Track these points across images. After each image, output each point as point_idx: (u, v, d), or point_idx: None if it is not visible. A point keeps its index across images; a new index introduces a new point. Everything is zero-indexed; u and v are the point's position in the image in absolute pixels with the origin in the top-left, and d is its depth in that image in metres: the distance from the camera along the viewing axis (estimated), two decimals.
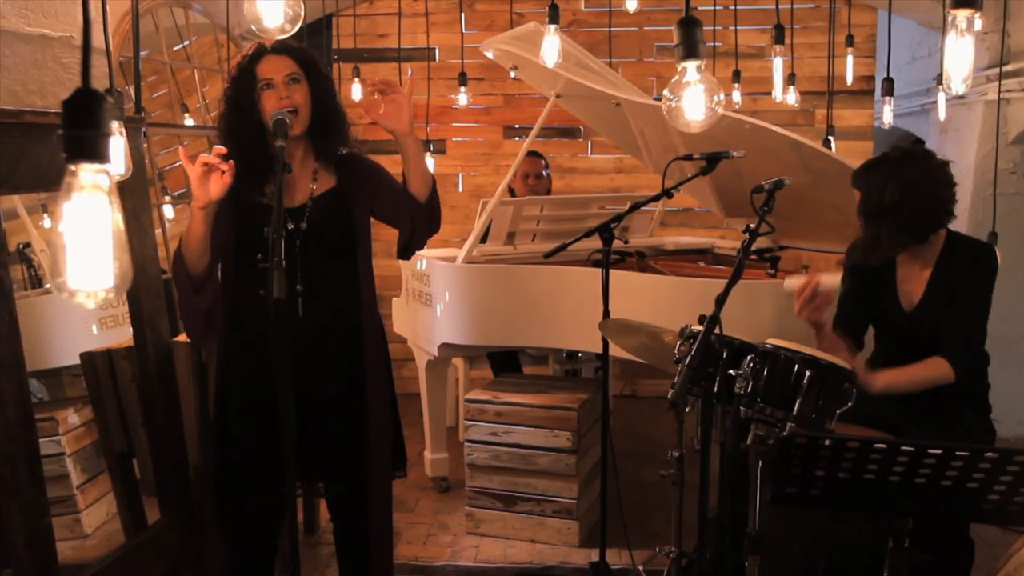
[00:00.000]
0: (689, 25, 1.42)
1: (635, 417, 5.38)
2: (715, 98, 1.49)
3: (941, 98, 4.42)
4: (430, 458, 4.22)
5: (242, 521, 2.58)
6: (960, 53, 1.38)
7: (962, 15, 1.36)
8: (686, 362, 2.05)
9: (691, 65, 1.45)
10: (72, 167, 0.83)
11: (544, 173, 4.98)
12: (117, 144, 2.00)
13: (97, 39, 2.99)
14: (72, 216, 0.84)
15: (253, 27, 1.46)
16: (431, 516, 3.97)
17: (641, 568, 3.27)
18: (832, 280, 2.51)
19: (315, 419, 2.47)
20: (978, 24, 4.01)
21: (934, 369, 2.60)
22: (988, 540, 3.32)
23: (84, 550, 3.44)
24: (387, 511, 2.70)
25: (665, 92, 1.51)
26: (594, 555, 3.29)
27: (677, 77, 1.48)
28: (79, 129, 0.83)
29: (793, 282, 2.58)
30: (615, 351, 3.07)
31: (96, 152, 0.84)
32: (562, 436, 3.57)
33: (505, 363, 4.73)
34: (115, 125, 1.97)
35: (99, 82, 2.30)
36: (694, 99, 1.48)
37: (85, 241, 0.84)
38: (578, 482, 3.59)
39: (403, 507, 4.04)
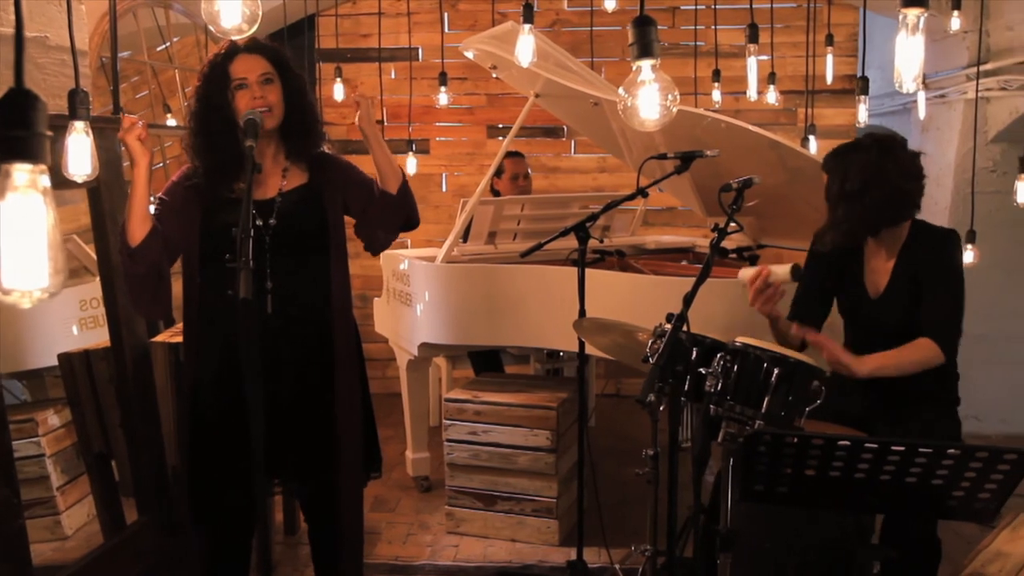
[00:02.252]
0: (643, 24, 1.43)
1: (618, 416, 5.39)
2: (669, 96, 1.49)
3: (921, 97, 4.44)
4: (411, 457, 4.22)
5: (215, 520, 2.58)
6: (911, 51, 1.38)
7: (912, 13, 1.36)
8: (653, 360, 2.05)
9: (646, 64, 1.46)
10: (5, 167, 0.83)
11: (529, 172, 4.99)
12: (83, 144, 2.00)
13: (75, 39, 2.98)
14: (6, 216, 0.84)
15: (211, 28, 1.46)
16: (412, 516, 3.97)
17: (618, 567, 3.27)
18: (782, 271, 2.50)
19: (284, 418, 2.47)
20: (956, 24, 4.03)
21: (922, 350, 2.56)
22: (966, 536, 3.33)
23: (65, 551, 3.43)
24: (357, 511, 2.70)
25: (620, 91, 1.52)
26: (574, 554, 3.30)
27: (632, 76, 1.49)
28: (12, 129, 0.83)
29: (746, 273, 2.57)
30: (595, 350, 3.07)
31: (29, 152, 0.84)
32: (541, 435, 3.57)
33: (487, 362, 4.73)
34: (81, 125, 1.96)
35: (71, 81, 2.29)
36: (649, 98, 1.48)
37: (20, 241, 0.84)
38: (557, 481, 3.60)
39: (384, 507, 4.05)
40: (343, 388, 2.57)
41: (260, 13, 1.46)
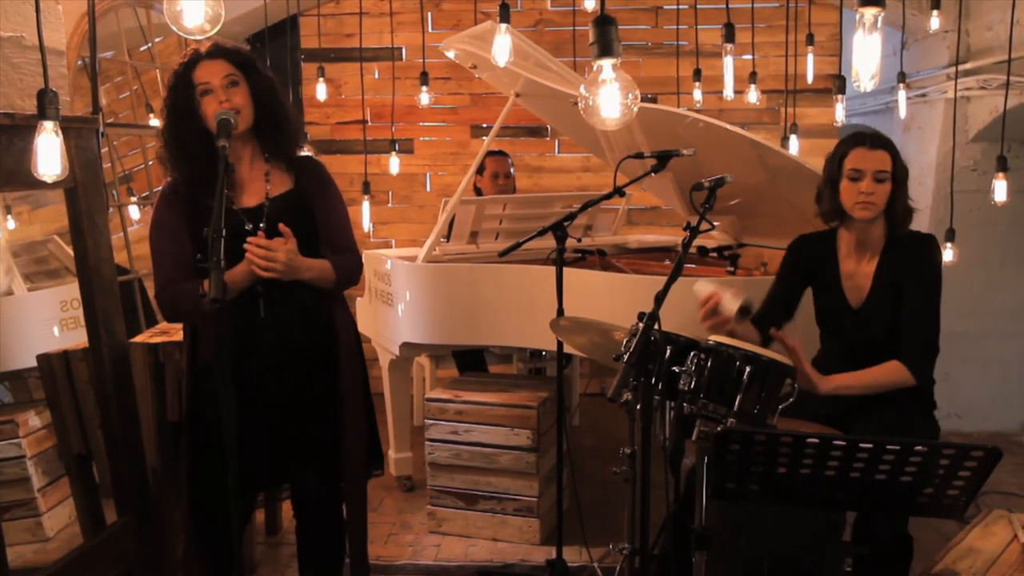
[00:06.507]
0: (604, 24, 1.44)
1: (603, 415, 5.39)
2: (629, 95, 1.50)
3: (901, 96, 4.46)
4: (394, 457, 4.22)
5: (212, 523, 2.55)
6: (868, 50, 1.40)
7: (869, 13, 1.37)
8: (624, 359, 2.06)
9: (607, 63, 1.46)
10: None
11: (511, 171, 4.99)
12: (52, 144, 2.00)
13: (51, 39, 2.98)
14: None
15: (173, 27, 1.46)
16: (394, 515, 3.97)
17: (596, 565, 3.28)
18: (731, 305, 2.48)
19: (289, 419, 2.48)
20: (935, 23, 4.04)
21: (894, 374, 2.58)
22: (946, 533, 3.34)
23: (46, 553, 3.43)
24: (362, 509, 2.71)
25: (581, 89, 1.53)
26: (555, 553, 3.30)
27: (593, 75, 1.49)
28: None
29: (701, 288, 2.56)
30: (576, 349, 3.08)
31: None
32: (522, 434, 3.58)
33: (470, 362, 4.73)
34: (50, 125, 1.96)
35: (42, 81, 2.28)
36: (609, 97, 1.49)
37: None
38: (539, 480, 3.60)
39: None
40: (348, 387, 2.58)
41: (223, 13, 1.46)
